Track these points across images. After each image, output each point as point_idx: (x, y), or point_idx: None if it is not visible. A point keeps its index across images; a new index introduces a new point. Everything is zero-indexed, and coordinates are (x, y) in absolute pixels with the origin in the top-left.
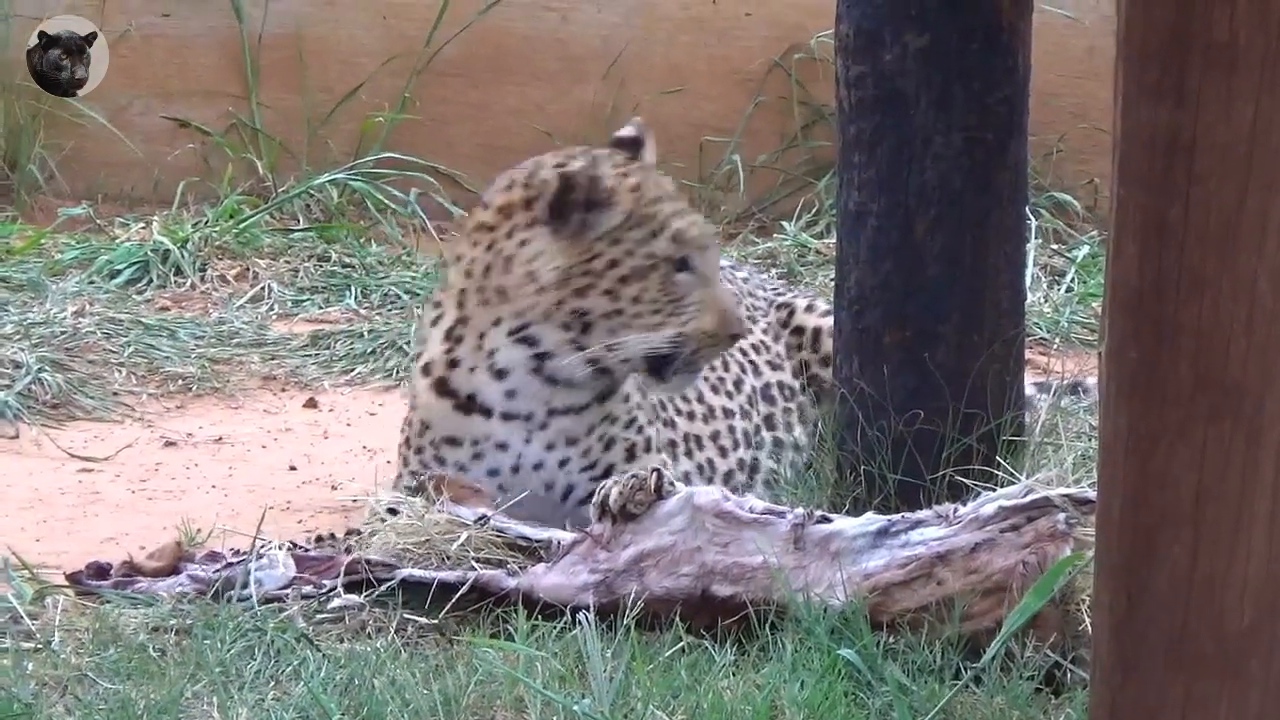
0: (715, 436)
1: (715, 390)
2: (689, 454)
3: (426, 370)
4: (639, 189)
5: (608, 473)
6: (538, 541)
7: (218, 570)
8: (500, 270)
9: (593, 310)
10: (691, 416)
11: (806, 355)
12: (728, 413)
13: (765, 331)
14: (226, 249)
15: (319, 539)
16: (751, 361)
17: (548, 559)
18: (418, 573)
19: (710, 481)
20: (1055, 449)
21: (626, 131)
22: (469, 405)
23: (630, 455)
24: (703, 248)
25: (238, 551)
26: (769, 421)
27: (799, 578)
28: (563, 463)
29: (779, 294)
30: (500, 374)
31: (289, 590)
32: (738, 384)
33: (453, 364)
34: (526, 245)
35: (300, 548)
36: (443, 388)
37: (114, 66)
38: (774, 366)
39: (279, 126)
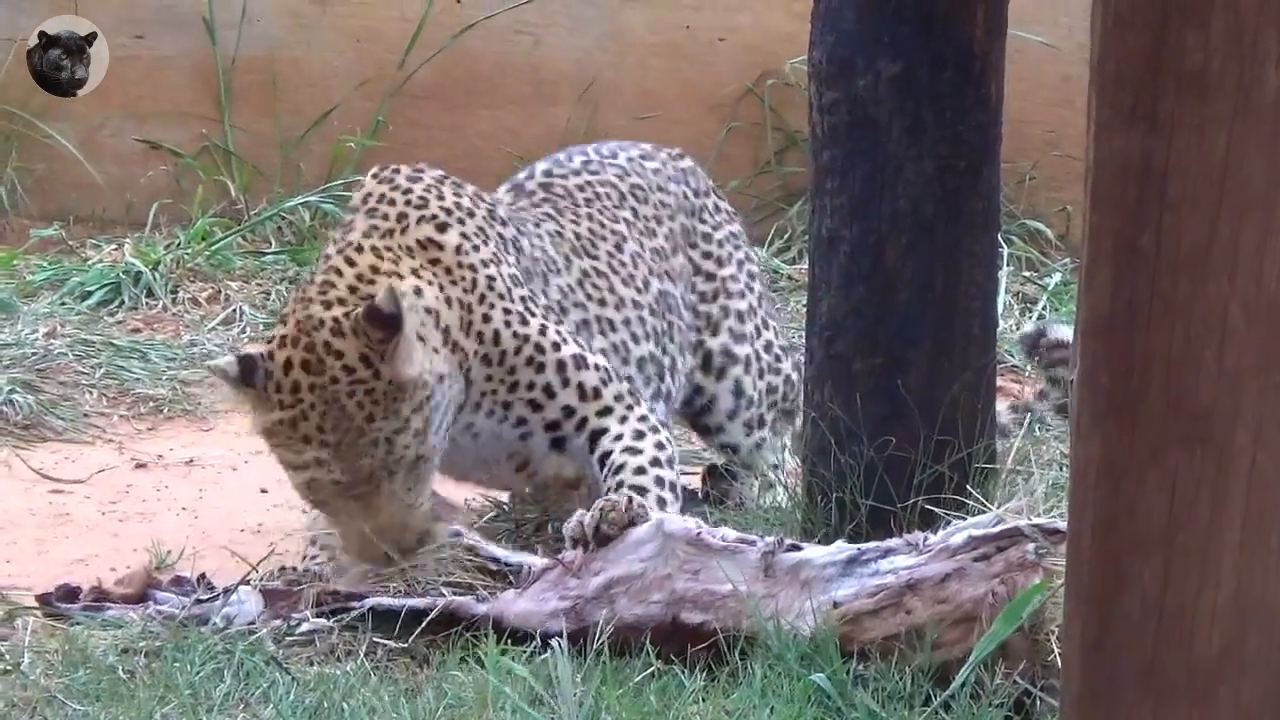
0: (627, 323)
1: (625, 284)
2: (603, 333)
3: None
4: None
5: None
6: (509, 565)
7: (186, 609)
8: None
9: None
10: (603, 303)
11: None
12: (636, 305)
13: (667, 238)
14: (198, 271)
15: (283, 569)
16: (654, 272)
17: (518, 585)
18: (387, 600)
19: (625, 364)
20: (1026, 477)
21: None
22: None
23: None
24: None
25: (206, 582)
26: (669, 331)
27: (769, 606)
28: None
29: (719, 226)
30: None
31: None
32: (645, 283)
33: None
34: None
35: (268, 581)
36: None
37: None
38: (671, 278)
39: (252, 149)
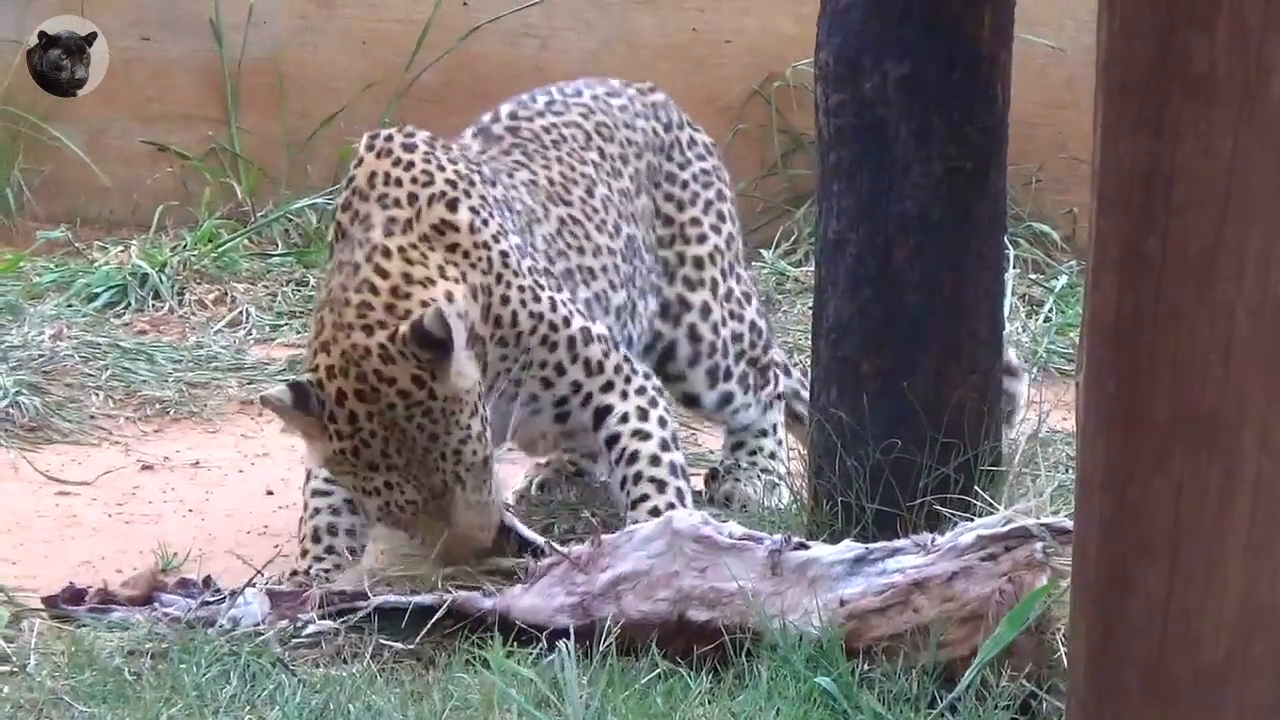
0: (605, 270)
1: (599, 230)
2: (585, 283)
3: None
4: None
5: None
6: (528, 541)
7: (192, 611)
8: None
9: None
10: (581, 251)
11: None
12: (610, 251)
13: (633, 179)
14: (205, 273)
15: (294, 572)
16: (621, 215)
17: (524, 580)
18: (393, 598)
19: (606, 314)
20: (1033, 479)
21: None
22: None
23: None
24: None
25: (212, 585)
26: (633, 276)
27: (775, 604)
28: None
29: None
30: None
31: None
32: (616, 228)
33: None
34: None
35: (275, 583)
36: None
37: (93, 90)
38: (635, 221)
39: (258, 151)
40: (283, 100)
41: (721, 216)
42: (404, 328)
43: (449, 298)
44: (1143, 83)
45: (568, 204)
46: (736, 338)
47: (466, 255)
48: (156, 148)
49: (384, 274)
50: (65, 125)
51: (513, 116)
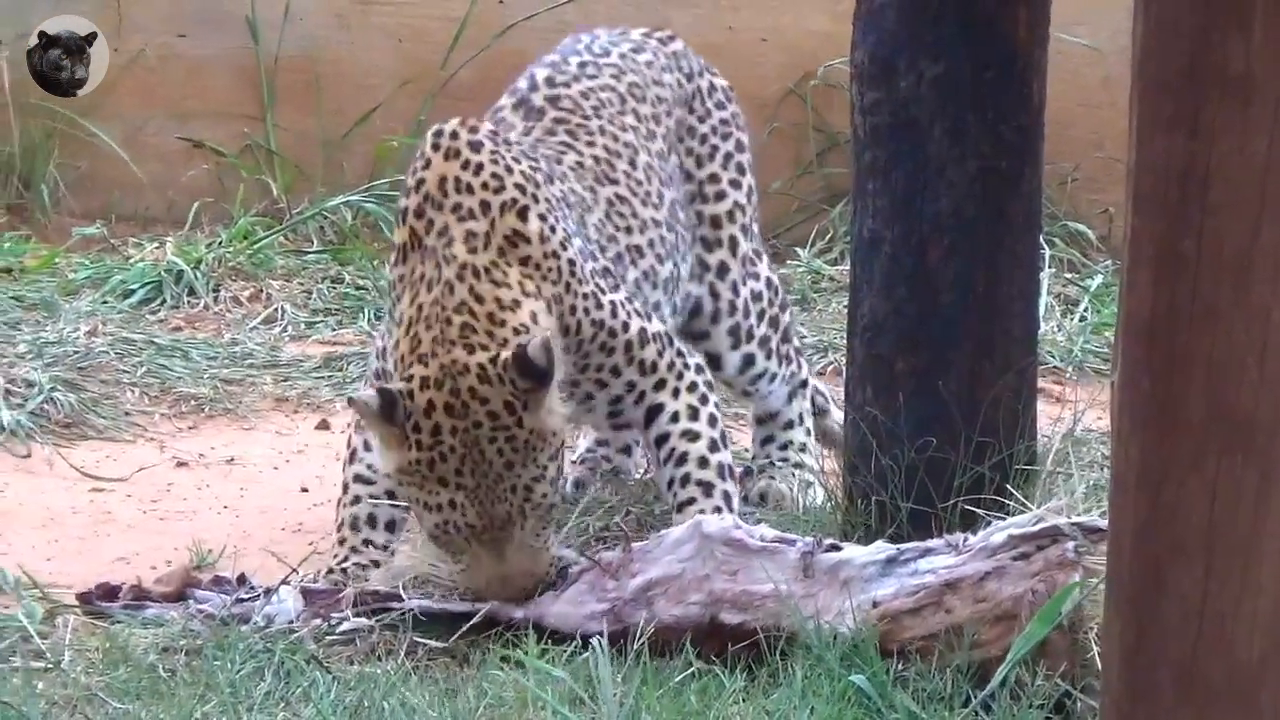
0: (651, 245)
1: (644, 203)
2: (634, 263)
3: None
4: None
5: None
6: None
7: (226, 608)
8: None
9: None
10: (629, 230)
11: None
12: (656, 224)
13: (664, 138)
14: (240, 270)
15: (330, 570)
16: (662, 181)
17: (556, 587)
18: (426, 603)
19: (655, 288)
20: (1066, 478)
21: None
22: None
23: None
24: None
25: (246, 583)
26: (677, 243)
27: (808, 606)
28: None
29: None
30: None
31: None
32: (660, 197)
33: None
34: None
35: (309, 581)
36: None
37: (129, 87)
38: (672, 182)
39: (294, 148)
40: (318, 97)
41: (740, 169)
42: (505, 353)
43: (534, 318)
44: (1179, 82)
45: (614, 182)
46: (756, 296)
47: (538, 267)
48: (192, 144)
49: (479, 298)
50: (101, 121)
51: (550, 83)
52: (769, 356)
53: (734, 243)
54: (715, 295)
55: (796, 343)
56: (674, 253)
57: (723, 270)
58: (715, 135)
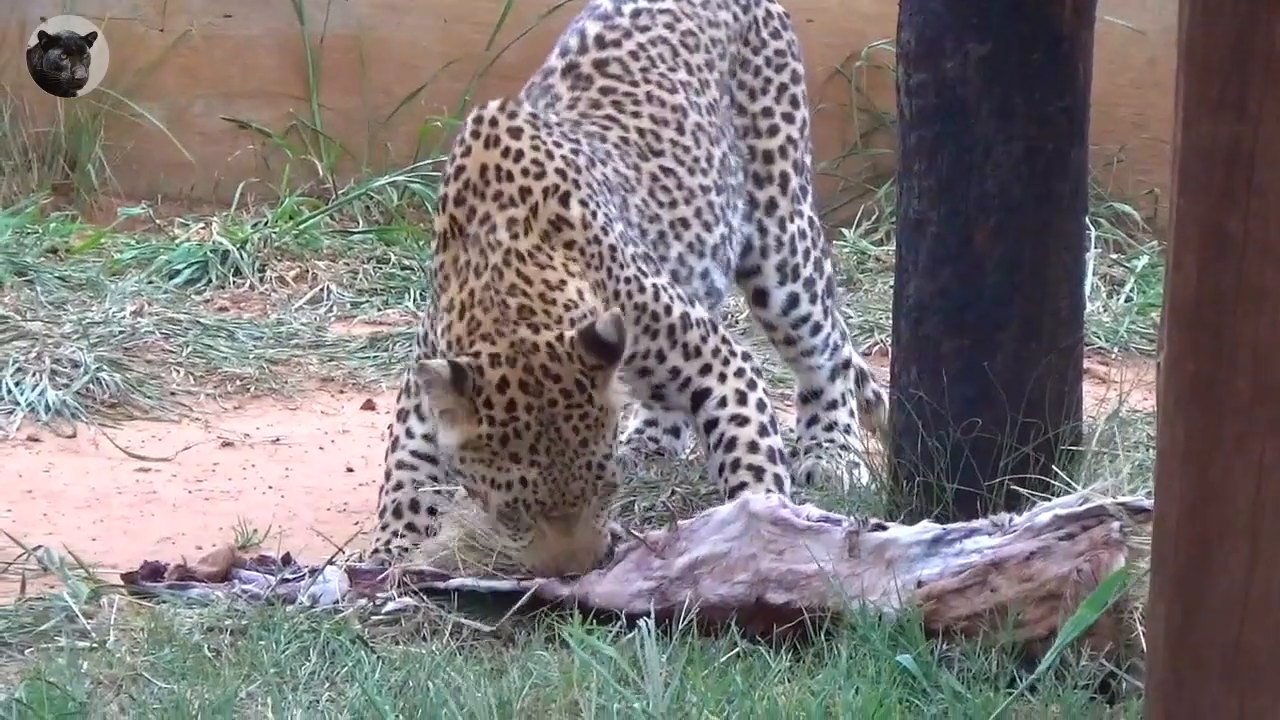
0: (699, 214)
1: (691, 172)
2: (678, 237)
3: None
4: None
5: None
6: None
7: (271, 588)
8: None
9: None
10: (674, 204)
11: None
12: (704, 190)
13: (718, 83)
14: (286, 250)
15: (375, 551)
16: (712, 139)
17: (602, 565)
18: (470, 582)
19: (702, 257)
20: (1112, 458)
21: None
22: None
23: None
24: None
25: (291, 563)
26: (730, 199)
27: (853, 585)
28: None
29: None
30: None
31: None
32: (709, 159)
33: None
34: None
35: (355, 561)
36: None
37: (175, 67)
38: (723, 131)
39: (339, 128)
40: (364, 77)
41: (794, 101)
42: (572, 331)
43: (580, 295)
44: (1224, 64)
45: (659, 154)
46: (801, 234)
47: (583, 252)
48: (238, 124)
49: (528, 280)
50: (147, 102)
51: (600, 43)
52: (813, 301)
53: (784, 179)
54: (763, 231)
55: (843, 323)
56: (724, 213)
57: (771, 206)
58: (769, 67)
